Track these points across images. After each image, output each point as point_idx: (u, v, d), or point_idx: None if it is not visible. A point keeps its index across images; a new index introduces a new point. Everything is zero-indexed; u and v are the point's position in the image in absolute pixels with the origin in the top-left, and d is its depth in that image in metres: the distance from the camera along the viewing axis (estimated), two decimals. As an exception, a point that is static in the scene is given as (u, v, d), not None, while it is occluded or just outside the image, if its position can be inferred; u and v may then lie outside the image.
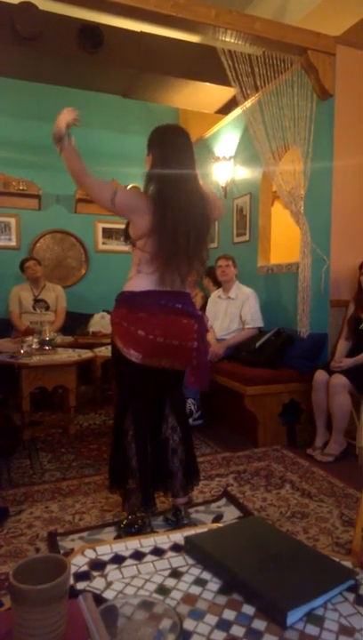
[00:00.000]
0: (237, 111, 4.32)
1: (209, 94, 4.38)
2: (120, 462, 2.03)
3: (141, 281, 1.94)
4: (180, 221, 1.88)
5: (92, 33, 3.64)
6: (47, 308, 4.36)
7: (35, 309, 4.33)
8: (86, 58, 3.73)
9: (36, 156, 4.98)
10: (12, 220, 5.06)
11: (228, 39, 3.14)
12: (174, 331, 1.91)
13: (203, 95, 4.40)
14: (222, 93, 4.30)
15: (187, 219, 1.89)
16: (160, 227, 1.88)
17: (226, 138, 4.73)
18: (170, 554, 0.81)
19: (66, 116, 1.86)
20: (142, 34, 3.86)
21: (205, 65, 3.92)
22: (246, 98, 3.41)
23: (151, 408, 2.08)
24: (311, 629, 0.62)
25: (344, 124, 3.36)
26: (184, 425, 2.10)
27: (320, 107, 3.42)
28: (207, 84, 4.14)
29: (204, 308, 4.03)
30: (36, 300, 4.36)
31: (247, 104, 3.49)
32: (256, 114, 3.53)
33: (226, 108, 4.59)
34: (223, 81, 3.53)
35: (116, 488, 2.07)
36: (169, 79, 4.11)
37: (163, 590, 0.70)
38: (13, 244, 5.11)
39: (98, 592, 0.70)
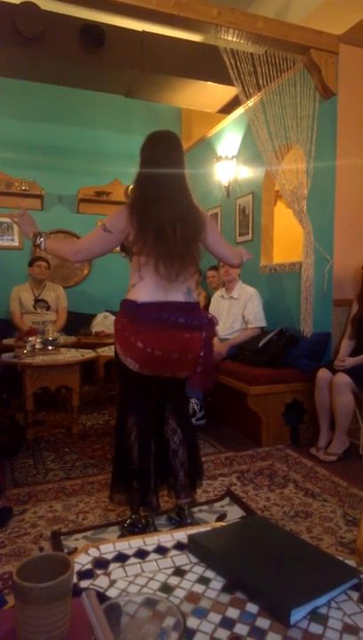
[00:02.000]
0: (239, 110, 4.32)
1: (211, 94, 4.38)
2: (123, 463, 2.03)
3: (144, 290, 1.90)
4: (162, 210, 1.86)
5: (94, 33, 3.65)
6: (48, 308, 4.36)
7: (35, 309, 4.34)
8: (88, 58, 3.73)
9: (39, 156, 4.99)
10: (15, 221, 5.06)
11: (230, 38, 3.14)
12: (174, 345, 1.88)
13: (205, 94, 4.40)
14: (225, 93, 4.30)
15: (169, 208, 1.87)
16: (146, 215, 1.86)
17: (228, 137, 4.72)
18: (173, 552, 0.80)
19: (19, 221, 2.07)
20: (144, 33, 3.86)
21: (208, 64, 3.92)
22: (248, 97, 3.40)
23: (153, 409, 2.08)
24: (315, 628, 0.62)
25: (347, 122, 3.36)
26: (185, 427, 2.08)
27: (323, 105, 3.41)
28: (210, 83, 4.14)
29: (206, 307, 4.02)
30: (37, 300, 4.36)
31: (250, 103, 3.48)
32: (259, 113, 3.53)
33: (228, 108, 4.59)
34: (226, 80, 3.53)
35: (119, 490, 2.06)
36: (171, 79, 4.11)
37: (166, 588, 0.70)
38: (16, 244, 5.12)
39: (101, 590, 0.70)
